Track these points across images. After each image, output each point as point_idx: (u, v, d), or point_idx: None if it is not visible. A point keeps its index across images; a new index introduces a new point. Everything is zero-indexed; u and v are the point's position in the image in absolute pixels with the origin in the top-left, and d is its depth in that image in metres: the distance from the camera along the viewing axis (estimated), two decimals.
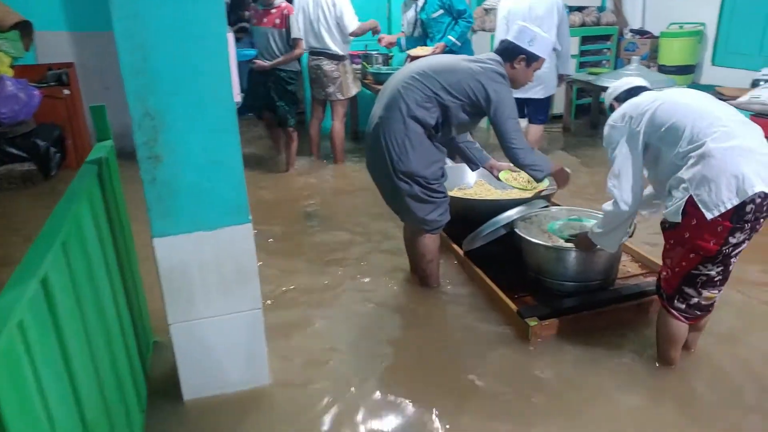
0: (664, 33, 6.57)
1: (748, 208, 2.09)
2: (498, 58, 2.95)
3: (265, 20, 4.93)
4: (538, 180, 3.12)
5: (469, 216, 3.56)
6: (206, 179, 2.09)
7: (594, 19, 7.14)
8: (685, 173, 2.17)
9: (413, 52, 5.22)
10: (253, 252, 2.27)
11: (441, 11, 4.94)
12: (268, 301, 3.13)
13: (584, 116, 7.15)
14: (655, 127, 2.30)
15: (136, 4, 1.79)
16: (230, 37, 2.09)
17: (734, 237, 2.15)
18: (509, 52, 2.95)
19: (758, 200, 2.08)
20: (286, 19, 4.90)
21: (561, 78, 5.17)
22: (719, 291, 2.34)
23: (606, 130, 2.50)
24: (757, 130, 2.23)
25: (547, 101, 5.18)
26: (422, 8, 5.17)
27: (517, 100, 3.11)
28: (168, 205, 2.06)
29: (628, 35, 7.27)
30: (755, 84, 5.41)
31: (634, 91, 2.60)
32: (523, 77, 3.00)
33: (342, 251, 3.82)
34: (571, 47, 6.83)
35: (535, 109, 5.10)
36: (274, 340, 2.63)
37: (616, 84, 2.72)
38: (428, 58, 3.08)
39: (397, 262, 3.57)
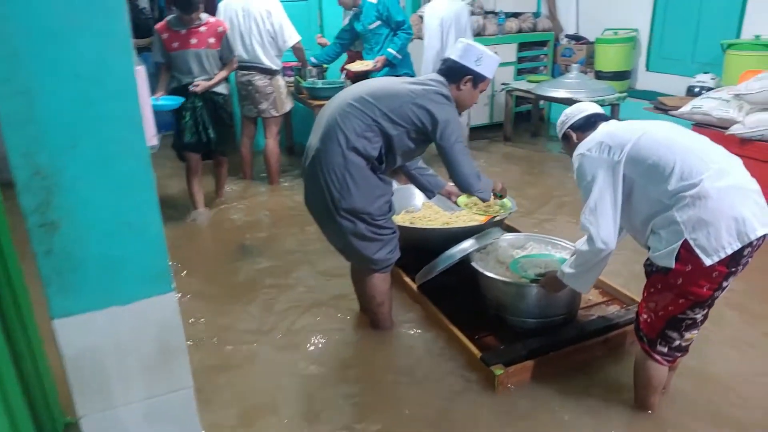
0: (600, 39, 6.53)
1: (746, 251, 1.94)
2: (442, 79, 2.69)
3: (193, 41, 4.21)
4: (485, 201, 2.94)
5: (420, 245, 3.32)
6: (117, 245, 1.74)
7: (530, 25, 7.04)
8: (678, 214, 1.97)
9: (352, 66, 4.93)
10: (179, 324, 1.92)
11: (378, 22, 4.63)
12: (190, 342, 2.79)
13: (523, 123, 7.04)
14: (639, 160, 2.09)
15: (14, 41, 1.43)
16: (141, 71, 1.75)
17: (727, 281, 2.00)
18: (455, 72, 2.69)
19: (755, 242, 1.93)
20: (221, 38, 4.34)
21: None
22: (698, 330, 2.17)
23: (577, 160, 2.26)
24: (738, 161, 2.07)
25: None
26: (358, 19, 4.86)
27: None
28: (70, 279, 1.69)
29: (564, 41, 7.21)
30: (690, 90, 5.42)
31: (592, 119, 2.39)
32: (470, 99, 2.77)
33: (281, 290, 3.49)
34: (507, 54, 6.80)
35: None
36: (204, 405, 2.31)
37: (569, 111, 2.49)
38: (366, 82, 2.80)
39: (346, 302, 3.28)
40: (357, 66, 4.87)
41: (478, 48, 2.68)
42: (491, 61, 2.70)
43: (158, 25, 4.27)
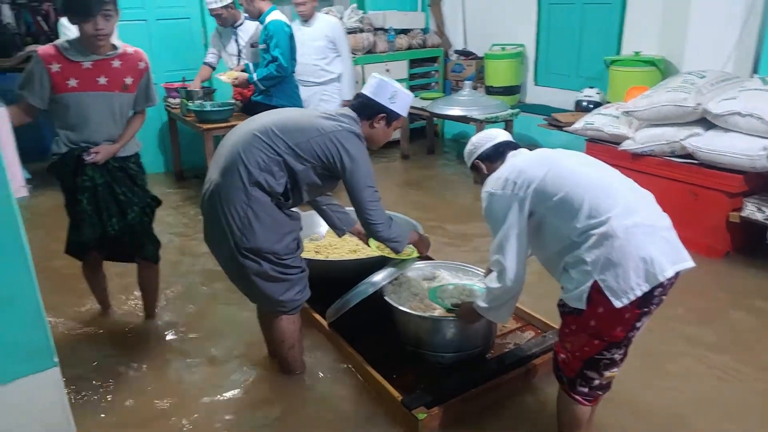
0: (488, 54, 6.64)
1: (657, 291, 1.89)
2: (354, 115, 2.54)
3: (102, 81, 2.76)
4: (398, 252, 2.74)
5: (328, 278, 3.15)
6: None
7: (420, 41, 7.08)
8: (586, 254, 1.92)
9: (221, 76, 4.81)
10: (64, 403, 1.69)
11: (264, 45, 4.50)
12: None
13: (418, 139, 7.04)
14: (545, 197, 2.03)
15: None
16: (2, 112, 1.50)
17: (641, 321, 1.96)
18: (368, 109, 2.55)
19: (666, 282, 1.89)
20: (142, 78, 2.94)
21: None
22: (619, 368, 2.12)
23: (485, 198, 2.19)
24: (650, 197, 2.05)
25: None
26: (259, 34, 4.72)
27: None
28: None
29: (454, 57, 7.30)
30: (579, 104, 5.61)
31: (500, 148, 2.33)
32: (383, 137, 2.64)
33: (174, 332, 3.22)
34: (399, 71, 6.80)
35: None
36: None
37: (476, 140, 2.40)
38: (274, 112, 2.60)
39: (250, 343, 3.05)
40: (224, 76, 4.75)
41: (392, 85, 2.55)
42: (405, 98, 2.59)
43: (43, 51, 2.73)
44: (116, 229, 2.93)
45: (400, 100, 2.56)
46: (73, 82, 2.71)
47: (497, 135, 2.38)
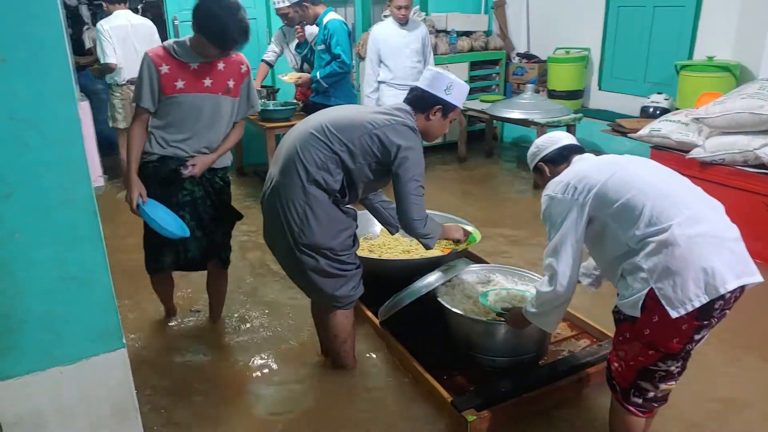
0: (552, 58, 6.56)
1: (717, 304, 1.83)
2: (408, 108, 2.57)
3: (207, 82, 2.76)
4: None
5: (381, 277, 3.19)
6: (60, 301, 1.60)
7: (482, 44, 7.04)
8: (644, 261, 1.88)
9: (283, 77, 4.99)
10: (130, 382, 1.78)
11: (323, 46, 4.61)
12: None
13: (476, 142, 7.00)
14: (607, 203, 1.99)
15: None
16: (84, 107, 1.58)
17: (699, 334, 1.89)
18: (423, 101, 2.56)
19: (728, 295, 1.82)
20: (243, 82, 2.89)
21: None
22: (676, 382, 2.06)
23: (544, 201, 2.17)
24: (719, 207, 1.98)
25: None
26: (316, 36, 4.83)
27: None
28: (8, 341, 1.54)
29: (516, 60, 7.24)
30: (645, 110, 5.48)
31: (565, 152, 2.30)
32: (439, 129, 2.65)
33: (227, 324, 3.32)
34: (459, 73, 6.77)
35: None
36: None
37: (540, 142, 2.38)
38: (329, 110, 2.65)
39: (303, 338, 3.12)
40: (286, 77, 4.91)
41: (448, 76, 2.56)
42: (461, 89, 2.59)
43: (152, 52, 2.74)
44: (215, 243, 2.95)
45: (456, 91, 2.56)
46: (180, 84, 2.70)
47: (562, 138, 2.36)
